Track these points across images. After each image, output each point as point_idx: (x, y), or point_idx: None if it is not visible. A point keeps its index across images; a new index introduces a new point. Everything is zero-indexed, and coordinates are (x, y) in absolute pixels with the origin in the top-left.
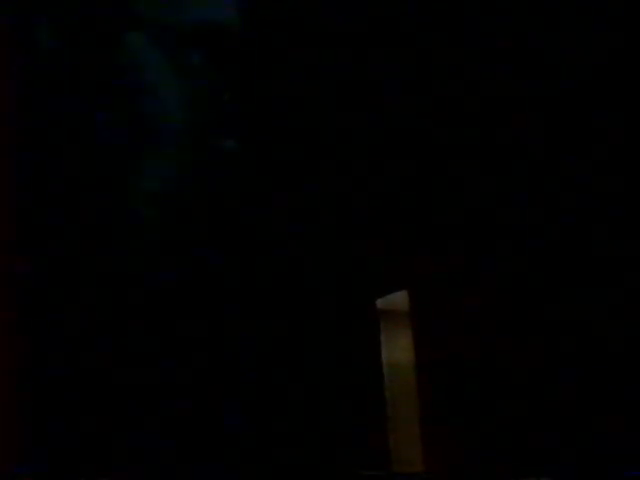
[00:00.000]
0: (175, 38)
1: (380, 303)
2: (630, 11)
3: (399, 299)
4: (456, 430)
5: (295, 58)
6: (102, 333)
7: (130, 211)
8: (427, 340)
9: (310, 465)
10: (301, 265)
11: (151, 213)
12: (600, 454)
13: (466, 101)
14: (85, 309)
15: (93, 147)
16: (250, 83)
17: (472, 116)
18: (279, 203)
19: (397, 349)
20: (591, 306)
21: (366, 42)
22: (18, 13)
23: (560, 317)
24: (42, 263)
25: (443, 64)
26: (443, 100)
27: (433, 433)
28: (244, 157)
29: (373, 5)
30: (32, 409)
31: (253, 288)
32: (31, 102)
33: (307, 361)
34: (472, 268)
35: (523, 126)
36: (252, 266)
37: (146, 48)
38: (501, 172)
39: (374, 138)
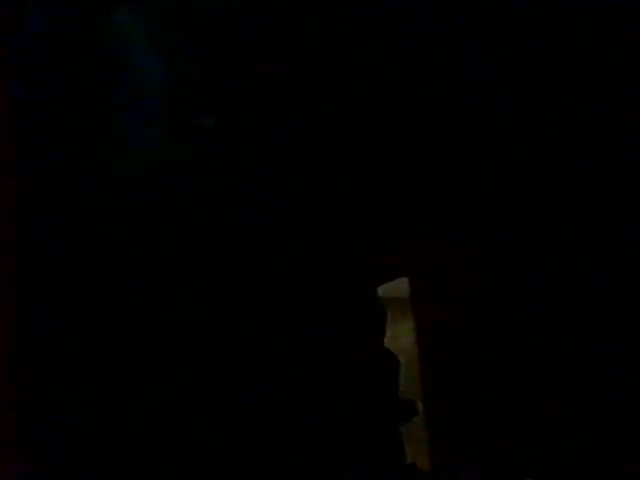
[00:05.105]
0: (159, 16)
1: (381, 291)
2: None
3: (400, 286)
4: (461, 419)
5: (279, 38)
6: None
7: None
8: (429, 326)
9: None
10: (295, 255)
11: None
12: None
13: (468, 91)
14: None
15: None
16: (231, 61)
17: (472, 104)
18: (275, 192)
19: (399, 336)
20: (597, 292)
21: (354, 25)
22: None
23: (565, 300)
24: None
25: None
26: (444, 88)
27: (438, 423)
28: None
29: None
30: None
31: (245, 277)
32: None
33: (307, 353)
34: (473, 253)
35: (523, 112)
36: (241, 257)
37: (130, 24)
38: (502, 156)
39: (368, 121)
